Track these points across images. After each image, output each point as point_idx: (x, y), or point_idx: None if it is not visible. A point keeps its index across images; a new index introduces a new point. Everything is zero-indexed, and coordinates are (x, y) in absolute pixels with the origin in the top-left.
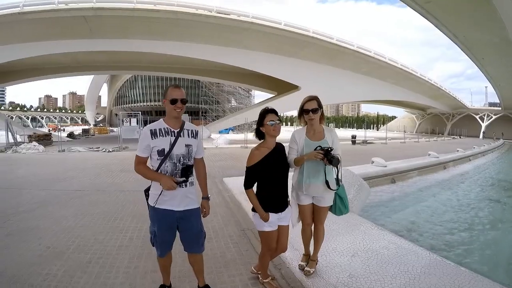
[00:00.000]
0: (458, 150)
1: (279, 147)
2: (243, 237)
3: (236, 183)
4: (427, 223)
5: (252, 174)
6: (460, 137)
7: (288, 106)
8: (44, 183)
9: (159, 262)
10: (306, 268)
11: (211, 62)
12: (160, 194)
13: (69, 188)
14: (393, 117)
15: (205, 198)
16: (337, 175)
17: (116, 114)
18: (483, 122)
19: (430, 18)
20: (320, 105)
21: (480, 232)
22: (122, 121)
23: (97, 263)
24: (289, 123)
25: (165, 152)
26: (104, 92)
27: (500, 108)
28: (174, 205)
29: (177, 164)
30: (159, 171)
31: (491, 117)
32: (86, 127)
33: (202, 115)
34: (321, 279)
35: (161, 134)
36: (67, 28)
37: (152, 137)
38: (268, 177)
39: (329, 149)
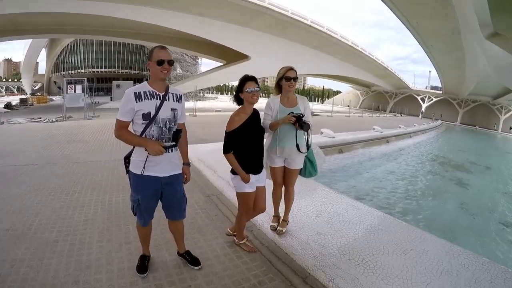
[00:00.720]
0: (400, 127)
1: (256, 113)
2: (209, 202)
3: (192, 151)
4: (375, 190)
5: (232, 139)
6: (401, 115)
7: (237, 75)
8: None
9: (140, 232)
10: (279, 228)
11: (159, 27)
12: (146, 161)
13: (16, 163)
14: (338, 92)
15: (186, 164)
16: (307, 140)
17: (55, 82)
18: (423, 103)
19: (386, 1)
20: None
21: (422, 199)
22: (66, 88)
23: (65, 241)
24: (235, 92)
25: (151, 115)
26: (42, 58)
27: (441, 92)
28: (159, 171)
29: (163, 128)
30: (144, 135)
31: (432, 99)
32: (23, 96)
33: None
34: (293, 237)
35: (146, 97)
36: None
37: (136, 100)
38: (247, 141)
39: (301, 115)
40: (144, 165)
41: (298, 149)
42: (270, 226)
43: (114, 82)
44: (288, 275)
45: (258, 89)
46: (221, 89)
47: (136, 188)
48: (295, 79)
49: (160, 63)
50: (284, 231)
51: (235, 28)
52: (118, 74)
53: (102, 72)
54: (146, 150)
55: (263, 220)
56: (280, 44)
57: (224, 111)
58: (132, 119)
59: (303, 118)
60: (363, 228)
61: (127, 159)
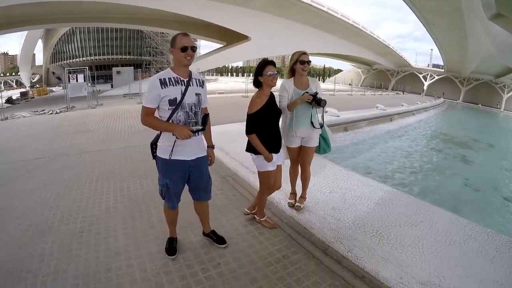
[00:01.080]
0: (403, 105)
1: (272, 96)
2: (225, 184)
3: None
4: (381, 166)
5: (255, 120)
6: (403, 93)
7: (238, 57)
8: None
9: (168, 215)
10: (297, 204)
11: (156, 11)
12: (173, 145)
13: (27, 157)
14: (339, 70)
15: (211, 147)
16: (321, 118)
17: (54, 73)
18: (425, 81)
19: None
20: None
21: (427, 175)
22: (68, 78)
23: (90, 231)
24: (234, 74)
25: (177, 101)
26: (38, 49)
27: (443, 70)
28: (186, 154)
29: (190, 113)
30: (171, 121)
31: (434, 77)
32: (24, 90)
33: (146, 67)
34: (310, 213)
35: (171, 83)
36: None
37: (162, 87)
38: (267, 122)
39: (316, 93)
40: (172, 149)
41: (313, 126)
42: (288, 203)
43: (114, 69)
44: (309, 248)
45: (277, 72)
46: (221, 71)
47: (165, 173)
48: (309, 62)
49: (184, 49)
50: (302, 207)
51: (234, 9)
52: (116, 60)
53: (101, 59)
54: (174, 135)
55: (280, 198)
56: (281, 24)
57: (226, 93)
58: (158, 106)
59: (318, 96)
60: (375, 202)
61: (154, 145)
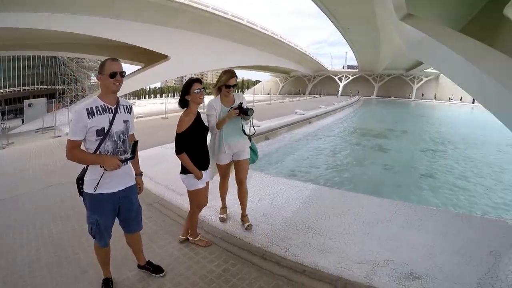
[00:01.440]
0: (320, 107)
1: (199, 113)
2: (153, 210)
3: None
4: (305, 167)
5: (184, 139)
6: (320, 96)
7: (158, 77)
8: None
9: (100, 254)
10: (247, 224)
11: (72, 34)
12: (101, 178)
13: None
14: (257, 81)
15: (139, 174)
16: (250, 128)
17: None
18: (341, 82)
19: None
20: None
21: (350, 168)
22: None
23: None
24: (152, 95)
25: (105, 130)
26: None
27: (357, 70)
28: (115, 186)
29: (118, 141)
30: (98, 152)
31: (349, 78)
32: None
33: (60, 97)
34: (242, 223)
35: (98, 112)
36: None
37: (89, 117)
38: (195, 140)
39: (240, 104)
40: (98, 183)
41: (245, 134)
42: (219, 218)
43: (26, 101)
44: (247, 257)
45: (204, 89)
46: (138, 94)
47: (93, 208)
48: (235, 85)
49: (113, 75)
50: (251, 225)
51: (153, 29)
52: (28, 91)
53: (10, 92)
54: (102, 167)
55: (211, 215)
56: (201, 41)
57: (145, 116)
58: (84, 137)
59: (243, 106)
60: (302, 201)
61: (80, 180)
